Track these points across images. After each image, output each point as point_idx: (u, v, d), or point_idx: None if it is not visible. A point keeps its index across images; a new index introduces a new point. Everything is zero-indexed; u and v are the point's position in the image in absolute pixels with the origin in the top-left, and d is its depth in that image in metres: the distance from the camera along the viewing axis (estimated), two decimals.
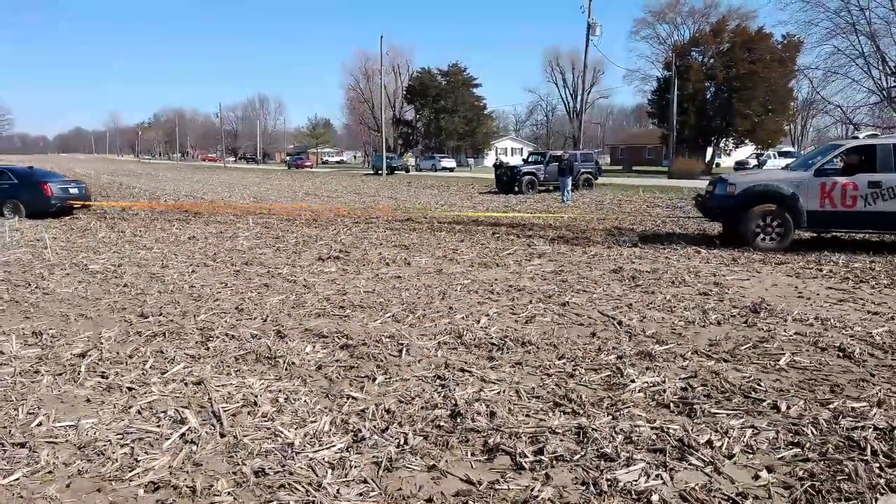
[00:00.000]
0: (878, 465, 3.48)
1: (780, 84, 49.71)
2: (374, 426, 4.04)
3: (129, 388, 4.73)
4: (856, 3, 40.21)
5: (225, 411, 4.27)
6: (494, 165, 33.66)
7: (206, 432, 3.98)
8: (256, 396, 4.54)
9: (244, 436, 3.92)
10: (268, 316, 6.81)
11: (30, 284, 8.48)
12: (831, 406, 4.33)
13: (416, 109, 72.38)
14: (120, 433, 3.97)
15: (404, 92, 74.54)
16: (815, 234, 12.31)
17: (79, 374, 5.03)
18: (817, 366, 5.19)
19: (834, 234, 12.50)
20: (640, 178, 44.45)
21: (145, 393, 4.64)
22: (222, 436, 3.94)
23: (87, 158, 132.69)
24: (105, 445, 3.81)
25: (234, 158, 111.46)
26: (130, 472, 3.50)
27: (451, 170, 59.11)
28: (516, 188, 28.19)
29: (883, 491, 3.21)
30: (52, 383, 4.85)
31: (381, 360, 5.34)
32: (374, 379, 4.91)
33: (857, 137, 12.03)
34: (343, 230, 14.54)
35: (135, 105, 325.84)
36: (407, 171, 58.26)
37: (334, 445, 3.79)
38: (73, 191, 17.96)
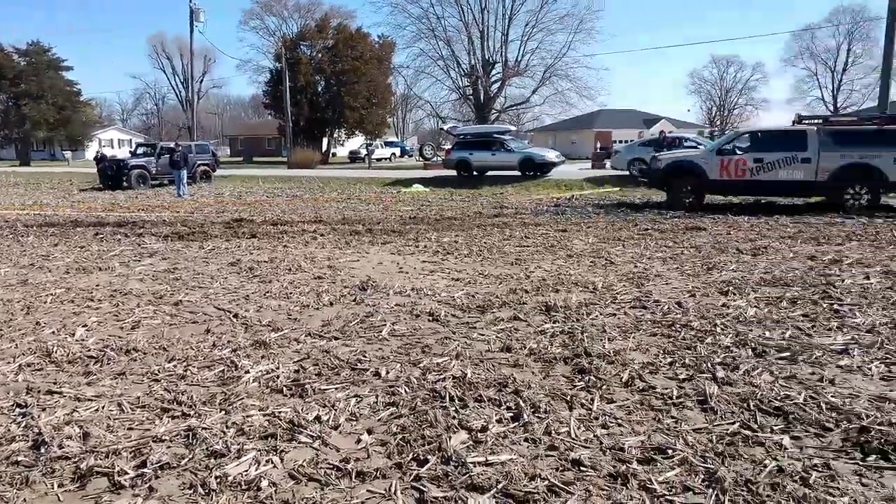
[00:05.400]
0: (453, 408, 4.09)
1: (380, 80, 54.32)
2: None
3: None
4: (433, 11, 46.35)
5: None
6: (96, 159, 29.98)
7: None
8: None
9: None
10: None
11: None
12: (421, 365, 4.93)
13: None
14: None
15: None
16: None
17: None
18: (412, 331, 5.86)
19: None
20: (260, 168, 44.44)
21: None
22: None
23: None
24: None
25: None
26: None
27: None
28: (125, 183, 25.69)
29: (455, 430, 3.78)
30: None
31: None
32: None
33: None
34: None
35: None
36: None
37: None
38: None
